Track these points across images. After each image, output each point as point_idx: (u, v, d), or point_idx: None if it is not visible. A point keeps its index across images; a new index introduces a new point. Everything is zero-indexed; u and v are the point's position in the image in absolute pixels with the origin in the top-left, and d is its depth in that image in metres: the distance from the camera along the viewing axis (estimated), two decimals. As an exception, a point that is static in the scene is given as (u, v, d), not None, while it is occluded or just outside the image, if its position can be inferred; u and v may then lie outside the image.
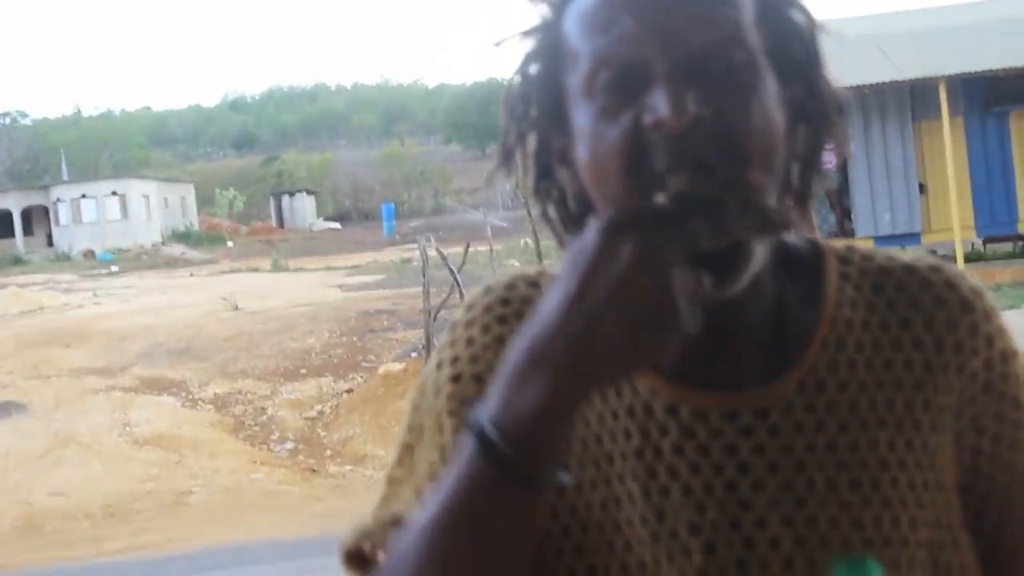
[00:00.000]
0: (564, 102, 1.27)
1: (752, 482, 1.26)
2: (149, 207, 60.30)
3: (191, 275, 37.71)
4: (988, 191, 21.20)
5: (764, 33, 1.24)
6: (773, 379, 1.29)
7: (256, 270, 37.61)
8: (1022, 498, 1.35)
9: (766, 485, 1.26)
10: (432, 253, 17.78)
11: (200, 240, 56.49)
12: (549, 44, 1.30)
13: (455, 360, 1.37)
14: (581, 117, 1.24)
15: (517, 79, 1.33)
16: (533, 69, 1.32)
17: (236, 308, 24.60)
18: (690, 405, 1.29)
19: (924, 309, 1.33)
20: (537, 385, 1.10)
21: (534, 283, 1.38)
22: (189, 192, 67.70)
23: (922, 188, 21.07)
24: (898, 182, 21.05)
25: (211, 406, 16.79)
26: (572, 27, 1.26)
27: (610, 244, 1.09)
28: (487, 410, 1.13)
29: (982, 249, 23.02)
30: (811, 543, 1.24)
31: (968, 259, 20.89)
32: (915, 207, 21.10)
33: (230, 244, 51.63)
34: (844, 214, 21.59)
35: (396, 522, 1.33)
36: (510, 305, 1.37)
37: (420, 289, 18.07)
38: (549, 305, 1.10)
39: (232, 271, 37.96)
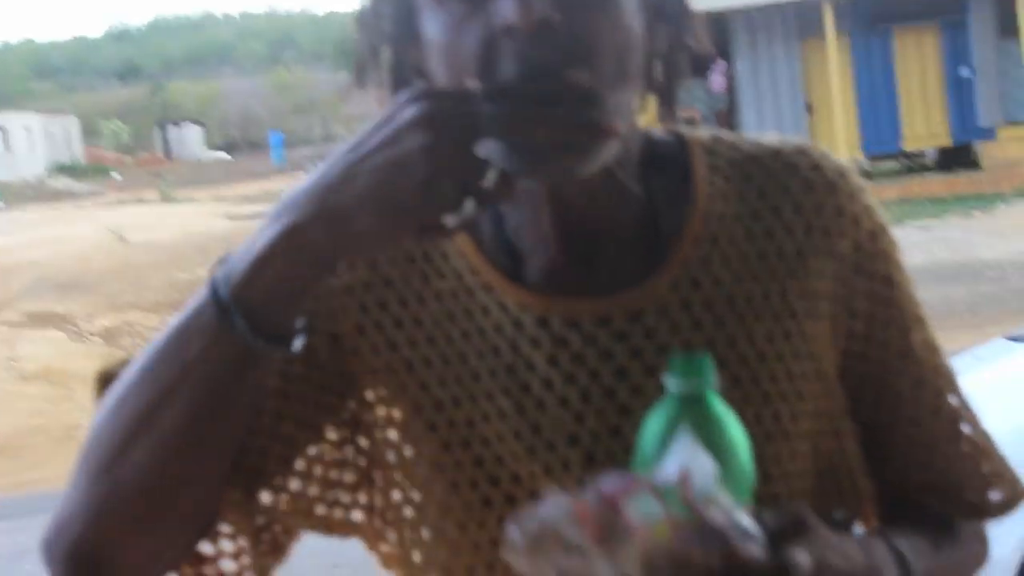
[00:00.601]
0: (415, 12, 1.23)
1: (630, 387, 1.24)
2: (32, 140, 59.17)
3: (77, 207, 37.14)
4: (873, 110, 21.45)
5: None
6: (646, 280, 1.27)
7: (143, 201, 37.09)
8: (897, 376, 1.35)
9: (645, 389, 1.24)
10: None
11: (86, 172, 55.58)
12: None
13: None
14: (432, 27, 1.20)
15: None
16: None
17: (124, 240, 24.26)
18: (561, 315, 1.26)
19: (793, 194, 1.32)
20: (279, 225, 1.10)
21: None
22: (73, 124, 66.55)
23: (808, 107, 21.25)
24: (785, 101, 21.23)
25: (100, 339, 16.58)
26: None
27: (401, 107, 1.06)
28: (226, 264, 1.13)
29: (867, 167, 23.30)
30: None
31: (854, 176, 21.08)
32: (801, 126, 21.29)
33: (116, 176, 50.86)
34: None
35: None
36: None
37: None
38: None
39: (119, 203, 37.41)
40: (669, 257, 1.29)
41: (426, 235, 1.09)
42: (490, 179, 1.08)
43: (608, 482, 1.00)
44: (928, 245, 16.51)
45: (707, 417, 1.08)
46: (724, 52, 21.36)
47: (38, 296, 19.34)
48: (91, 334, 16.96)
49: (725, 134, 1.38)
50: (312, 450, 1.32)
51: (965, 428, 1.39)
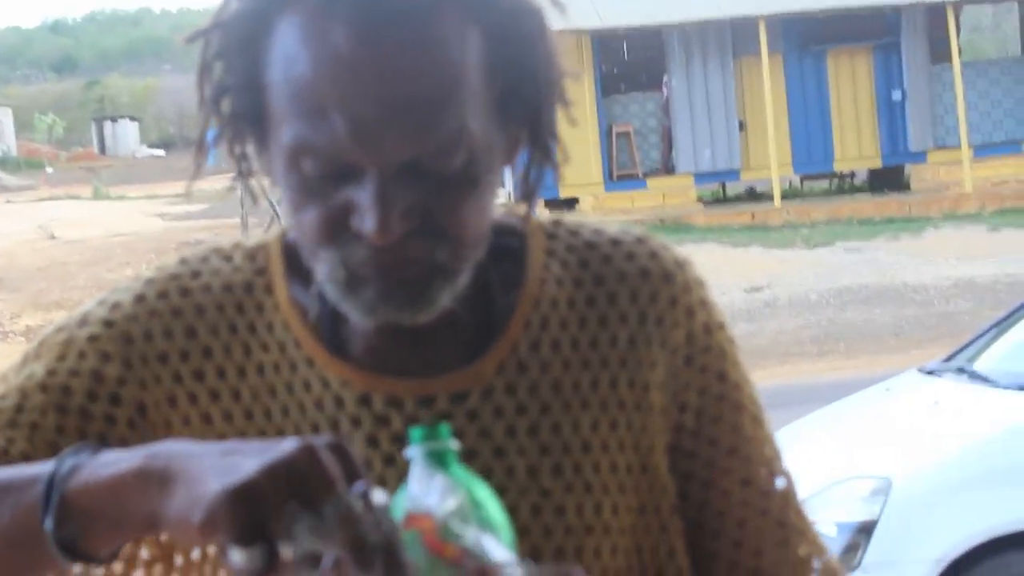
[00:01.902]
0: (264, 106, 1.18)
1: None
2: (-36, 131, 58.55)
3: (7, 202, 36.72)
4: (806, 129, 21.61)
5: (493, 87, 1.17)
6: (472, 362, 1.26)
7: (76, 198, 36.74)
8: (725, 474, 1.32)
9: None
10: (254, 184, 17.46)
11: (18, 166, 54.98)
12: (251, 44, 1.19)
13: (116, 306, 1.29)
14: (281, 164, 1.17)
15: (214, 52, 1.22)
16: (230, 60, 1.21)
17: (52, 237, 24.04)
18: (383, 393, 1.25)
19: (629, 282, 1.30)
20: (132, 461, 1.02)
21: (228, 257, 1.32)
22: (6, 116, 65.83)
23: (741, 125, 21.39)
24: (718, 118, 21.33)
25: (22, 339, 16.39)
26: (277, 66, 1.15)
27: (305, 443, 0.96)
28: (79, 460, 1.05)
29: (799, 186, 23.49)
30: (513, 533, 1.21)
31: (785, 196, 21.32)
32: (735, 144, 21.41)
33: (49, 170, 50.32)
34: (669, 150, 21.82)
35: None
36: (199, 279, 1.30)
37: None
38: (208, 461, 0.99)
39: (51, 198, 37.03)
40: (497, 340, 1.28)
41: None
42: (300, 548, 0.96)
43: None
44: (856, 267, 16.63)
45: (449, 475, 1.06)
46: (658, 68, 21.45)
47: (-38, 292, 19.11)
48: (14, 333, 16.76)
49: (568, 220, 1.36)
50: None
51: (796, 536, 1.35)
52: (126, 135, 68.97)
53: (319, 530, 0.92)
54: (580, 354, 1.28)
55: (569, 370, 1.28)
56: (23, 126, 67.15)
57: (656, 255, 1.33)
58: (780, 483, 1.35)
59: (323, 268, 1.16)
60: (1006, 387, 5.63)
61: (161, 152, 66.72)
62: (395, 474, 1.23)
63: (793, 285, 15.29)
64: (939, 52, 21.36)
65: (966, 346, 6.48)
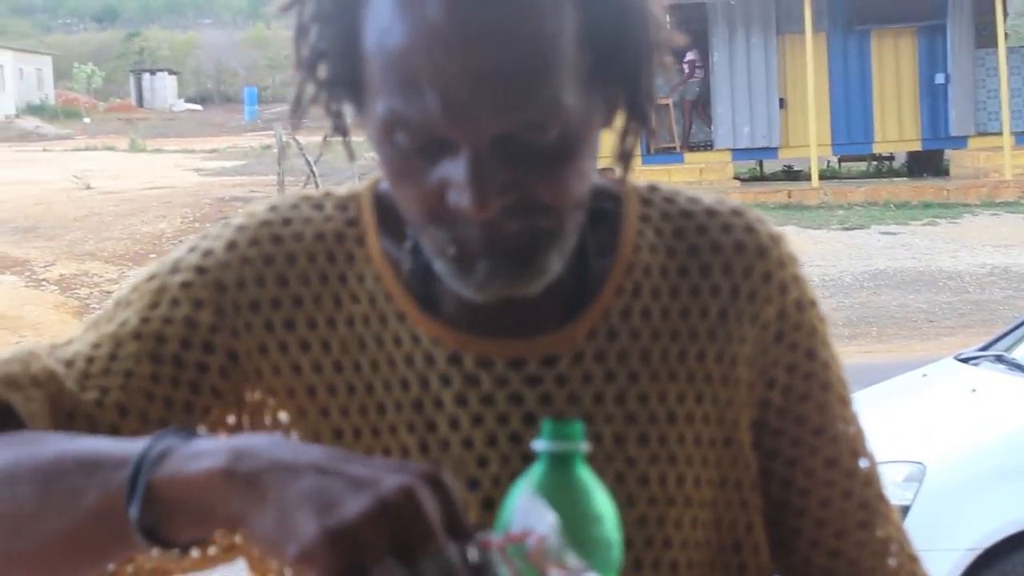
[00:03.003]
0: (361, 73, 1.16)
1: (537, 434, 1.22)
2: (3, 78, 58.68)
3: (44, 150, 36.86)
4: (846, 109, 21.49)
5: (588, 55, 1.14)
6: (564, 326, 1.25)
7: (112, 149, 36.84)
8: (811, 454, 1.32)
9: None
10: (290, 141, 17.54)
11: (56, 114, 55.15)
12: (347, 11, 1.16)
13: (208, 253, 1.29)
14: (376, 135, 1.16)
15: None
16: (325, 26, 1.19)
17: (88, 187, 24.10)
18: (474, 353, 1.24)
19: (723, 254, 1.29)
20: (219, 460, 1.00)
21: (318, 205, 1.31)
22: (46, 64, 66.01)
23: (782, 103, 21.27)
24: (759, 95, 21.23)
25: (56, 287, 16.45)
26: (372, 36, 1.13)
27: (407, 475, 0.96)
28: (168, 445, 1.04)
29: (837, 167, 23.38)
30: None
31: (823, 176, 21.21)
32: (774, 121, 21.31)
33: (87, 120, 50.45)
34: (691, 125, 21.74)
35: (66, 362, 1.25)
36: (290, 226, 1.29)
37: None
38: (304, 481, 0.98)
39: (87, 148, 37.16)
40: (590, 305, 1.27)
41: None
42: None
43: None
44: (891, 251, 16.56)
45: (572, 482, 1.06)
46: (701, 42, 21.33)
47: (-3, 239, 19.20)
48: (47, 281, 16.84)
49: (664, 186, 1.35)
50: None
51: (878, 518, 1.35)
52: (164, 88, 69.10)
53: None
54: (670, 324, 1.28)
55: (659, 340, 1.27)
56: (62, 75, 67.38)
57: (752, 229, 1.32)
58: (864, 464, 1.34)
59: (432, 245, 1.16)
60: (1045, 377, 5.59)
61: (198, 107, 66.87)
62: (482, 434, 1.23)
63: (827, 267, 15.23)
64: (984, 36, 21.19)
65: (1004, 335, 6.44)
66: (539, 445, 1.06)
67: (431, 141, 1.11)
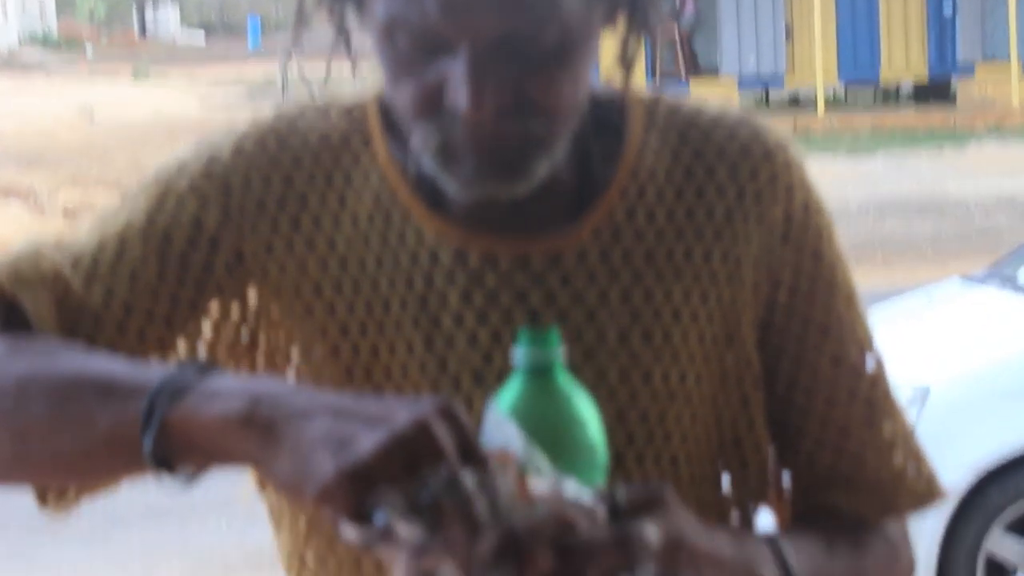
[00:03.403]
0: None
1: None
2: (5, 8, 58.44)
3: (48, 81, 36.74)
4: (853, 37, 21.37)
5: None
6: (569, 225, 1.26)
7: (115, 79, 36.72)
8: (816, 353, 1.32)
9: None
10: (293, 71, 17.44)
11: (59, 45, 54.95)
12: None
13: (214, 156, 1.30)
14: (376, 38, 1.19)
15: None
16: None
17: (92, 117, 24.04)
18: (479, 251, 1.25)
19: (729, 157, 1.30)
20: (257, 422, 1.02)
21: (324, 112, 1.32)
22: (48, -6, 65.78)
23: (788, 30, 21.14)
24: (764, 22, 21.10)
25: (60, 216, 16.46)
26: None
27: (420, 407, 0.99)
28: (186, 381, 1.06)
29: (844, 96, 23.28)
30: (599, 394, 1.19)
31: (829, 104, 21.11)
32: (780, 49, 21.19)
33: (90, 51, 50.24)
34: (691, 56, 21.62)
35: (72, 260, 1.26)
36: (295, 130, 1.30)
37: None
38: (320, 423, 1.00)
39: (91, 79, 37.03)
40: (594, 205, 1.27)
41: None
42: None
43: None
44: (897, 178, 16.51)
45: (552, 390, 1.07)
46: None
47: (1, 167, 19.18)
48: (51, 209, 16.83)
49: (668, 97, 1.36)
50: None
51: (884, 416, 1.35)
52: (167, 18, 68.74)
53: (432, 508, 0.94)
54: (675, 225, 1.29)
55: (663, 240, 1.28)
56: (65, 5, 67.02)
57: (757, 134, 1.32)
58: (871, 364, 1.35)
59: (419, 139, 1.17)
60: (1051, 298, 5.58)
61: (201, 36, 66.57)
62: (486, 331, 1.24)
63: (833, 194, 15.01)
64: (993, -36, 21.03)
65: (1012, 257, 6.41)
66: (517, 355, 1.07)
67: (430, 42, 1.13)
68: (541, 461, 0.99)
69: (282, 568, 1.36)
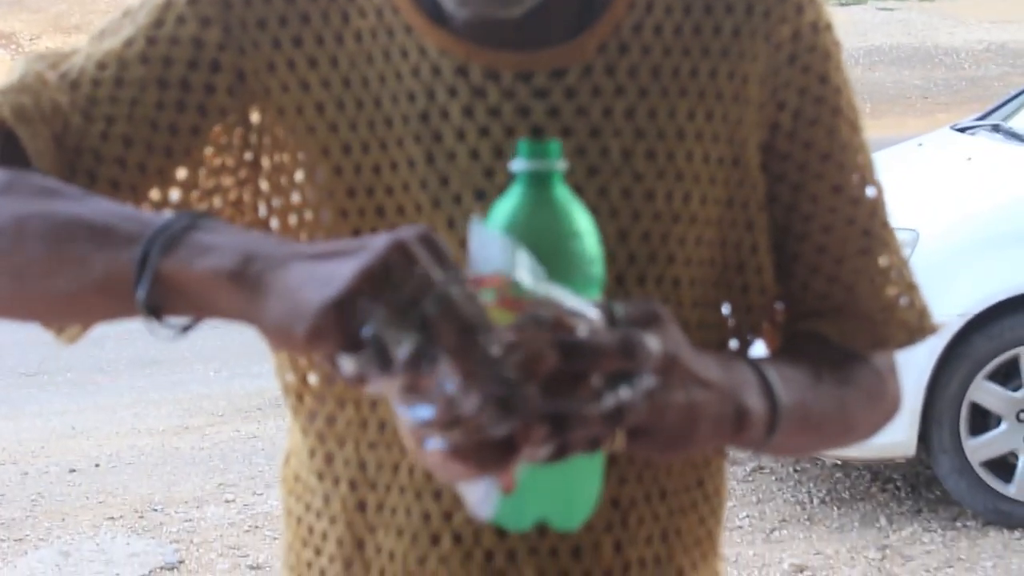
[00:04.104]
0: None
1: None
2: None
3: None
4: None
5: None
6: (574, 39, 1.23)
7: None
8: (817, 178, 1.30)
9: None
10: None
11: None
12: None
13: None
14: None
15: None
16: None
17: (72, -40, 23.68)
18: (482, 64, 1.22)
19: None
20: (250, 270, 1.01)
21: None
22: None
23: None
24: None
25: (42, 60, 16.31)
26: None
27: (397, 236, 0.97)
28: (181, 230, 1.05)
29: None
30: (601, 213, 1.18)
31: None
32: None
33: None
34: None
35: (71, 83, 1.24)
36: None
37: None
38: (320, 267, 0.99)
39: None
40: (600, 18, 1.24)
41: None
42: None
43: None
44: (888, 27, 16.41)
45: (549, 201, 1.05)
46: None
47: (-19, 12, 18.96)
48: (34, 55, 16.68)
49: None
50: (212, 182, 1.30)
51: (880, 246, 1.33)
52: None
53: (421, 322, 0.93)
54: (682, 41, 1.25)
55: (670, 56, 1.25)
56: None
57: None
58: (870, 192, 1.32)
59: None
60: (1042, 146, 5.57)
61: None
62: (488, 146, 1.22)
63: (823, 42, 15.06)
64: None
65: (1001, 105, 6.40)
66: (515, 165, 1.06)
67: None
68: (536, 270, 0.98)
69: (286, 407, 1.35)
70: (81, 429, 6.29)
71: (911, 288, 1.35)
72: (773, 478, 5.44)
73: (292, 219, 1.28)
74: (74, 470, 5.80)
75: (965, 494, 4.98)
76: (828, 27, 1.30)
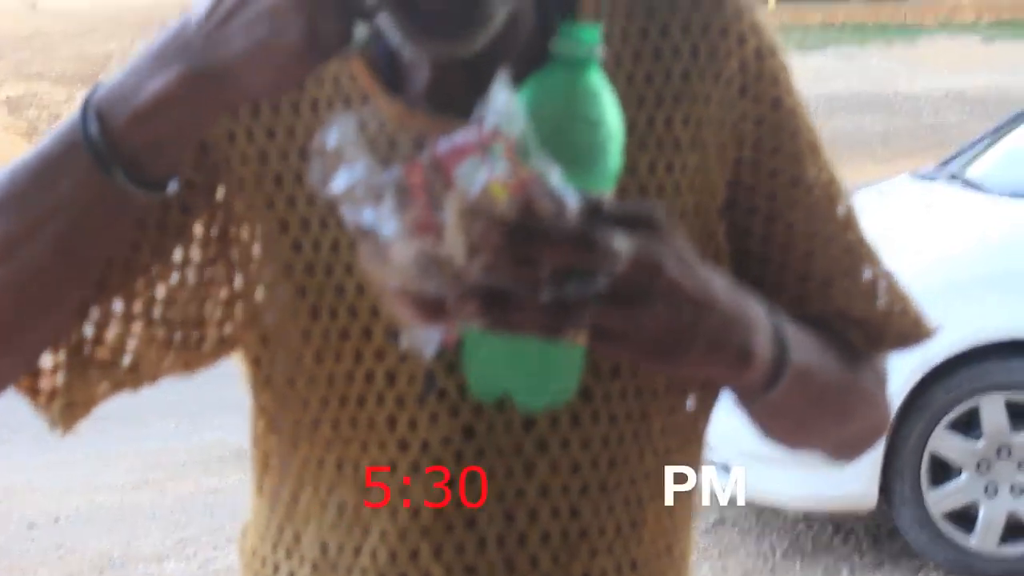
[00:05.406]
0: None
1: None
2: None
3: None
4: (805, -71, 21.16)
5: None
6: None
7: (58, -32, 36.09)
8: (789, 207, 1.28)
9: None
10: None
11: (0, -67, 54.05)
12: None
13: None
14: None
15: None
16: None
17: (35, 6, 23.66)
18: (438, 135, 1.20)
19: (681, 13, 1.24)
20: (171, 71, 1.05)
21: None
22: None
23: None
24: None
25: (3, 108, 16.25)
26: None
27: None
28: (103, 97, 1.08)
29: (795, -12, 23.13)
30: None
31: (780, -3, 20.98)
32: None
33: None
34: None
35: None
36: None
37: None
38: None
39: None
40: None
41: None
42: None
43: (443, 143, 0.99)
44: (847, 74, 16.51)
45: (576, 85, 1.04)
46: None
47: (-58, 59, 18.89)
48: (-4, 102, 16.61)
49: None
50: (174, 276, 1.27)
51: (863, 261, 1.31)
52: (111, -94, 67.66)
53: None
54: (636, 90, 1.23)
55: (626, 108, 1.20)
56: None
57: None
58: (842, 210, 1.31)
59: None
60: (999, 194, 5.58)
61: (146, -75, 65.60)
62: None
63: (784, 88, 15.14)
64: None
65: (960, 153, 6.43)
66: (552, 47, 1.06)
67: None
68: (534, 147, 0.96)
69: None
70: (39, 485, 6.21)
71: (901, 297, 1.34)
72: (736, 531, 5.42)
73: (257, 294, 1.26)
74: (33, 526, 5.74)
75: (927, 546, 4.96)
76: (773, 51, 1.28)
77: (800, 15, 20.06)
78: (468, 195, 0.94)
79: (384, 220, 0.95)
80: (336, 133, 0.97)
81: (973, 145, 6.45)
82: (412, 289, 0.95)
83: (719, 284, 1.08)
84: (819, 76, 16.08)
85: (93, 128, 1.07)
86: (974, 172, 5.99)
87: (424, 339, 0.98)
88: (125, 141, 1.07)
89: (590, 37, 1.04)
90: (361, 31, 1.04)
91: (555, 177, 0.95)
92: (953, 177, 6.04)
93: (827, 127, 14.03)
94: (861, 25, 19.57)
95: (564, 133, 1.02)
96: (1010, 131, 6.22)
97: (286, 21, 1.01)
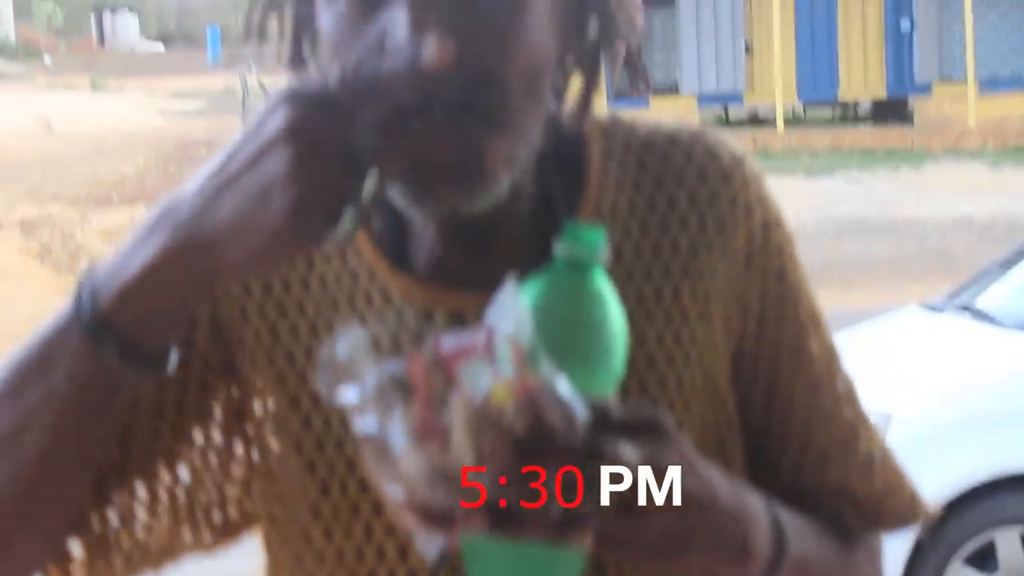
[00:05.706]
0: None
1: None
2: (-38, 16, 58.00)
3: (5, 91, 36.48)
4: (812, 55, 21.48)
5: None
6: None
7: (73, 89, 36.49)
8: (791, 377, 1.28)
9: None
10: (254, 82, 17.41)
11: (15, 53, 54.60)
12: None
13: None
14: (324, 16, 1.13)
15: None
16: None
17: (50, 128, 23.89)
18: (446, 310, 1.20)
19: (688, 184, 1.25)
20: (157, 243, 1.05)
21: None
22: (5, 3, 65.31)
23: (748, 47, 21.23)
24: (724, 40, 21.17)
25: (17, 230, 16.34)
26: None
27: (266, 115, 1.02)
28: (92, 281, 1.07)
29: (803, 114, 23.39)
30: None
31: (788, 122, 21.20)
32: (740, 66, 21.26)
33: (48, 60, 49.92)
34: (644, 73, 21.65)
35: None
36: None
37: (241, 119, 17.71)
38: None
39: (49, 88, 36.79)
40: None
41: (308, 251, 1.07)
42: (370, 186, 1.02)
43: (447, 341, 0.98)
44: (854, 198, 16.59)
45: (579, 287, 1.04)
46: (669, -13, 21.23)
47: (-43, 180, 19.03)
48: (8, 224, 16.70)
49: (624, 118, 1.30)
50: (194, 452, 1.27)
51: (860, 437, 1.31)
52: (126, 27, 68.37)
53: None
54: (643, 263, 1.24)
55: (632, 280, 1.23)
56: (22, 12, 66.58)
57: (713, 153, 1.27)
58: (842, 385, 1.31)
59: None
60: (1010, 327, 5.61)
61: (160, 46, 66.27)
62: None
63: (791, 214, 15.01)
64: (951, -17, 21.19)
65: (970, 284, 6.45)
66: (556, 248, 1.05)
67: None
68: (540, 353, 0.96)
69: None
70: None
71: (898, 475, 1.34)
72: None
73: (267, 470, 1.26)
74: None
75: None
76: (778, 222, 1.29)
77: (808, 139, 20.24)
78: (475, 401, 0.94)
79: (391, 429, 0.95)
80: (345, 345, 0.98)
81: (982, 275, 6.47)
82: (419, 500, 0.95)
83: (721, 483, 1.09)
84: (827, 200, 16.17)
85: (86, 306, 1.06)
86: (984, 303, 6.01)
87: (428, 543, 0.98)
88: (116, 315, 1.06)
89: (594, 238, 1.04)
90: (349, 221, 1.02)
91: (563, 386, 0.95)
92: (963, 308, 6.06)
93: (835, 251, 14.11)
94: (869, 150, 19.71)
95: (569, 336, 1.02)
96: (1020, 261, 6.25)
97: (272, 199, 1.00)
